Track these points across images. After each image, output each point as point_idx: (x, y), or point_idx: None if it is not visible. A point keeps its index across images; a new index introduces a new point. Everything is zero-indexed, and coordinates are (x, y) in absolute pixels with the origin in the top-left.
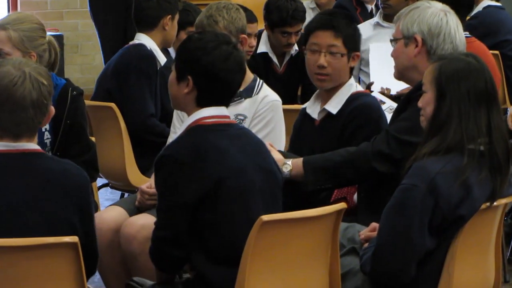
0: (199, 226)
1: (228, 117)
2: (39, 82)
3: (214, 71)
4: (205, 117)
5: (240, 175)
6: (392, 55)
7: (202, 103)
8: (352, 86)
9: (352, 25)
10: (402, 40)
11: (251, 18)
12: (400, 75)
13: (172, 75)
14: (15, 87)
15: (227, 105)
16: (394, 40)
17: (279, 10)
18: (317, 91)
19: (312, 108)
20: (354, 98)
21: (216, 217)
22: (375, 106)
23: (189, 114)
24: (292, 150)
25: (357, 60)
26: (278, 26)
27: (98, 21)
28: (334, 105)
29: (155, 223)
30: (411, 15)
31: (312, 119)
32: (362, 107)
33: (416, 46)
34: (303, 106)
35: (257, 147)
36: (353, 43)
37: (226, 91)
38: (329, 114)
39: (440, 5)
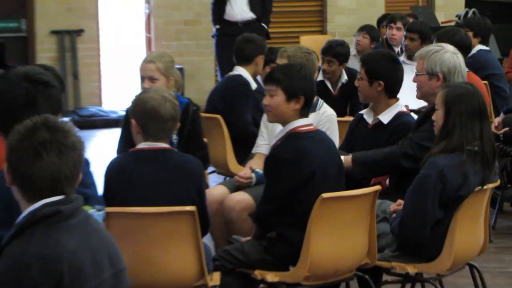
0: (292, 201)
1: (311, 124)
2: (174, 104)
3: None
4: (301, 125)
5: (325, 169)
6: (417, 84)
7: (302, 115)
8: (399, 106)
9: (381, 61)
10: (427, 75)
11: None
12: (422, 97)
13: (281, 99)
14: (159, 107)
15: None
16: (419, 74)
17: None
18: (372, 104)
19: (368, 115)
20: (400, 115)
21: (306, 196)
22: (413, 124)
23: (285, 124)
24: (346, 143)
25: (382, 87)
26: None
27: (220, 58)
28: (386, 117)
29: (262, 198)
30: (433, 57)
31: (366, 123)
32: (405, 124)
33: (438, 80)
34: (360, 112)
35: (332, 147)
36: (373, 73)
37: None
38: (380, 122)
39: (451, 47)
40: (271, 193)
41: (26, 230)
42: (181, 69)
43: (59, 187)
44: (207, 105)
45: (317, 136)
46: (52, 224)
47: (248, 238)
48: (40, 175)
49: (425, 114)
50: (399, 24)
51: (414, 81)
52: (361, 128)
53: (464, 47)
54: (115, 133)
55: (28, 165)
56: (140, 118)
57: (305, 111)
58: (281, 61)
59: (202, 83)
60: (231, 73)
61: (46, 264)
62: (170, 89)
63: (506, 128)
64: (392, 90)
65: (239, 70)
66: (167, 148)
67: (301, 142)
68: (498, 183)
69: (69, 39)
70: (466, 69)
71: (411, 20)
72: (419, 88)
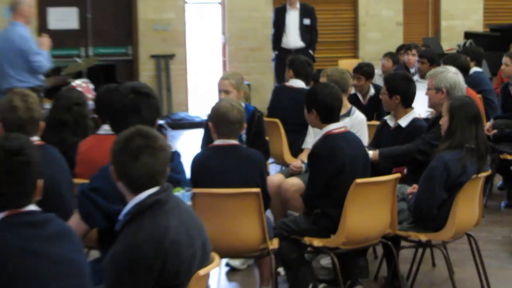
0: (329, 186)
1: (344, 127)
2: (240, 110)
3: (332, 104)
4: (334, 128)
5: (354, 161)
6: (428, 97)
7: (323, 122)
8: (414, 113)
9: (398, 80)
10: (434, 90)
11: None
12: (432, 106)
13: (306, 111)
14: (228, 113)
15: (338, 120)
16: (429, 89)
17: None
18: (393, 112)
19: (390, 120)
20: (415, 120)
21: (339, 182)
22: (425, 127)
23: (321, 128)
24: (374, 141)
25: (399, 100)
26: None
27: (278, 76)
28: (404, 121)
29: (307, 184)
30: (439, 76)
31: (389, 126)
32: (419, 127)
33: (442, 94)
34: (384, 118)
35: (359, 144)
36: (392, 89)
37: (336, 113)
38: (399, 125)
39: (453, 69)
40: (312, 181)
41: (136, 218)
42: (248, 85)
43: (154, 181)
44: (269, 112)
45: (347, 136)
46: (155, 210)
47: (300, 213)
48: (139, 173)
49: (434, 120)
50: (413, 51)
51: (426, 94)
52: (385, 130)
53: (463, 69)
54: (198, 133)
55: (129, 166)
56: (215, 121)
57: (326, 119)
58: (322, 79)
59: (264, 95)
60: (297, 86)
61: (155, 244)
62: (241, 100)
63: (495, 131)
64: (407, 101)
65: (300, 83)
66: (236, 144)
67: (333, 142)
68: (489, 172)
69: (164, 61)
70: (465, 86)
71: (423, 48)
72: (429, 100)
